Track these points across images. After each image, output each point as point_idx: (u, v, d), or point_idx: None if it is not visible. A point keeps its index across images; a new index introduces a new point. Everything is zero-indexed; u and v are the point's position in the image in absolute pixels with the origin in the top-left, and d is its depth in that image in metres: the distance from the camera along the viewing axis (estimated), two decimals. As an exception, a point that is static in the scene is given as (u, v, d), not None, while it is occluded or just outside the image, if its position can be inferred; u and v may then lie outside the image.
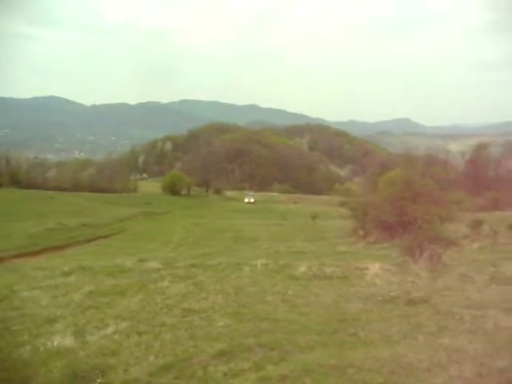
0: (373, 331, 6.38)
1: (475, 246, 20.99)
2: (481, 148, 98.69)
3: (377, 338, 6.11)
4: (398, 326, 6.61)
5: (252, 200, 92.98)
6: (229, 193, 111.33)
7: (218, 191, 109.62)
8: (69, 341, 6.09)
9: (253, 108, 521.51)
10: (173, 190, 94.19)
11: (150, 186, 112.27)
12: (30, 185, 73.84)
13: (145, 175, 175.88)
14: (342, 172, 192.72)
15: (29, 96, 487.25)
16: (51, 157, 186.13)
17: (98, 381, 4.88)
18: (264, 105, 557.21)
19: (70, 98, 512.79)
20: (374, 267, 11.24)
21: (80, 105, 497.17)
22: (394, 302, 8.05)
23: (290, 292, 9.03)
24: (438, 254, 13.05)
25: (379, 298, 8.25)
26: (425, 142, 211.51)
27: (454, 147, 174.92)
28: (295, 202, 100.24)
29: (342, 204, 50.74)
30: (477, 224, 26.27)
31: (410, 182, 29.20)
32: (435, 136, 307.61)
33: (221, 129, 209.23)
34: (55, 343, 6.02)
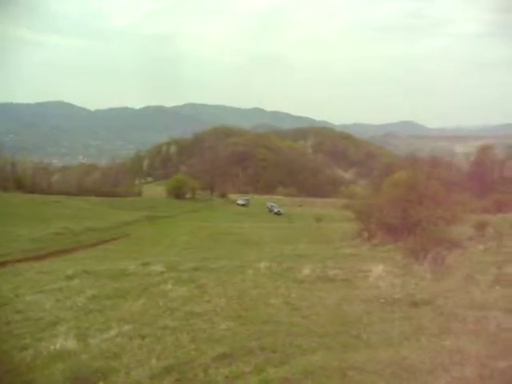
0: (375, 333, 6.35)
1: (480, 247, 20.92)
2: (485, 150, 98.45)
3: (379, 340, 6.08)
4: (400, 327, 6.58)
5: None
6: (233, 196, 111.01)
7: (222, 195, 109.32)
8: (71, 344, 6.12)
9: (258, 111, 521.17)
10: (177, 193, 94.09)
11: (155, 190, 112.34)
12: (34, 189, 74.04)
13: (150, 179, 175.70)
14: (347, 175, 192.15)
15: (33, 101, 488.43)
16: (56, 161, 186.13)
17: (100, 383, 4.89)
18: (269, 108, 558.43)
19: (75, 103, 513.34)
20: (378, 269, 11.22)
21: (84, 109, 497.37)
22: (396, 304, 8.02)
23: (292, 295, 9.02)
24: (442, 256, 13.04)
25: (382, 301, 8.22)
26: (429, 144, 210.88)
27: (458, 149, 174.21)
28: (300, 205, 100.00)
29: (346, 207, 50.79)
30: (481, 226, 26.20)
31: (415, 184, 29.14)
32: (439, 138, 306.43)
33: (226, 132, 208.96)
34: (57, 346, 6.04)
